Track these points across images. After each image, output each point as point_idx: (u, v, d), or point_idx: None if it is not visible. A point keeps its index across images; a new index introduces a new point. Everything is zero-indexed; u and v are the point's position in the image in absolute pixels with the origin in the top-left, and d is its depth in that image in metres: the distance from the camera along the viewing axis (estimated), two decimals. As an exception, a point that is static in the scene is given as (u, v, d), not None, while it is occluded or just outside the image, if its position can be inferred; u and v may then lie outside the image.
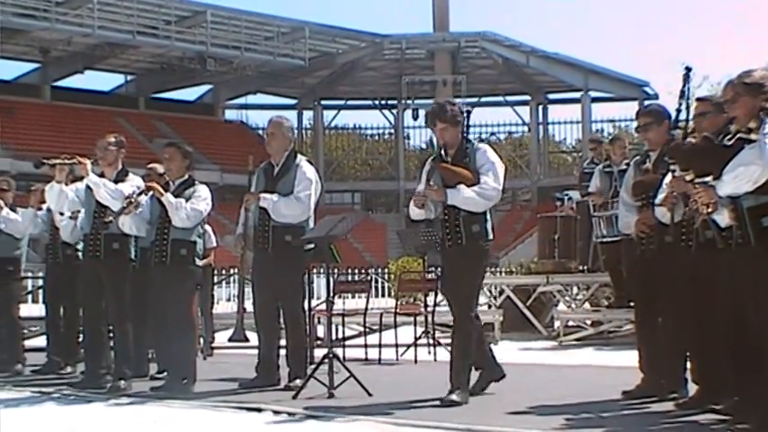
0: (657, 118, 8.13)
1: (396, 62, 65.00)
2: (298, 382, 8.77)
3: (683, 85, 7.63)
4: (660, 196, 7.46)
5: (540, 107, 70.11)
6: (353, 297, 14.93)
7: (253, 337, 9.85)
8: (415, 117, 65.84)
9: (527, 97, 69.53)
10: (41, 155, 10.74)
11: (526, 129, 71.66)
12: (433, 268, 12.28)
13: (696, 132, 7.27)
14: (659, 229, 7.74)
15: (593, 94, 65.75)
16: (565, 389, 8.84)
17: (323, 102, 70.19)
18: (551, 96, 69.85)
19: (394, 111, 70.42)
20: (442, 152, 8.29)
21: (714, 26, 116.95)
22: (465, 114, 8.28)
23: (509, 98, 71.01)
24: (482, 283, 8.74)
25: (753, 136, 6.21)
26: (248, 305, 9.97)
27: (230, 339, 10.65)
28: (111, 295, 9.36)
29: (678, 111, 7.64)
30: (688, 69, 7.64)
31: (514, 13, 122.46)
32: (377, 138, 75.76)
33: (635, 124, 8.52)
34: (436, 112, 8.20)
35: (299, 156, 9.43)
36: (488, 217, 8.18)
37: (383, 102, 70.50)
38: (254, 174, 9.43)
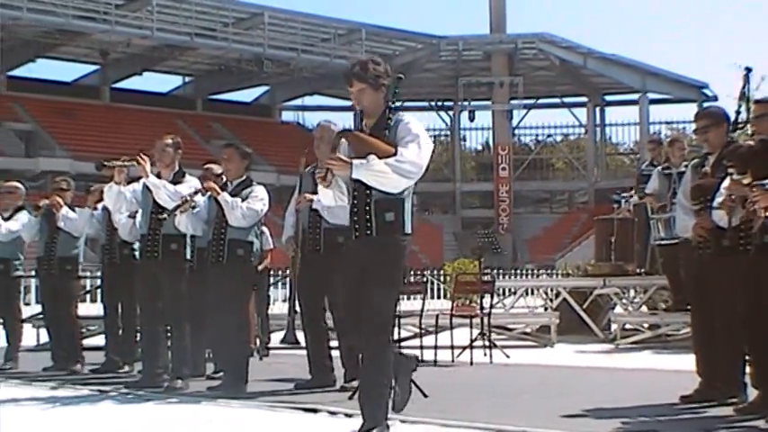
0: (716, 120, 8.04)
1: (452, 64, 65.00)
2: (354, 383, 8.78)
3: (743, 87, 7.58)
4: (718, 200, 7.40)
5: (598, 109, 69.77)
6: (409, 299, 14.93)
7: (303, 339, 9.88)
8: (472, 119, 65.78)
9: (584, 99, 69.24)
10: (100, 156, 10.86)
11: (583, 130, 71.34)
12: (489, 270, 12.23)
13: (756, 135, 7.21)
14: (717, 232, 7.67)
15: (650, 95, 65.38)
16: (621, 392, 8.79)
17: (379, 104, 70.25)
18: (608, 98, 69.51)
19: (450, 112, 70.46)
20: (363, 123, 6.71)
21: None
22: (393, 78, 6.78)
23: (566, 100, 70.79)
24: (399, 290, 6.76)
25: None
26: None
27: (282, 341, 10.69)
28: (169, 295, 9.42)
29: (737, 113, 7.59)
30: (748, 70, 7.58)
31: (572, 15, 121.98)
32: (433, 139, 75.52)
33: (693, 126, 8.46)
34: (353, 71, 6.62)
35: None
36: (408, 206, 6.61)
37: (439, 103, 70.51)
38: (302, 176, 9.44)
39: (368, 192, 6.43)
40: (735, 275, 7.45)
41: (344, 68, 6.74)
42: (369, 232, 6.48)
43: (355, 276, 6.46)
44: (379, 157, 6.24)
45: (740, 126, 7.63)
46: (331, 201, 6.73)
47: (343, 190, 6.57)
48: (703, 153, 8.28)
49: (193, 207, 9.08)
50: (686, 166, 9.33)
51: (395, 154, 6.30)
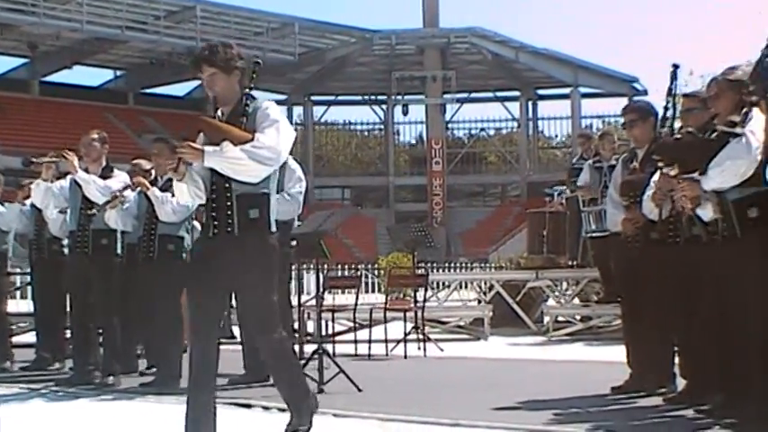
0: (643, 115, 8.15)
1: (385, 58, 65.00)
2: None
3: (671, 83, 7.65)
4: (648, 192, 7.48)
5: (530, 103, 70.17)
6: (343, 293, 14.95)
7: (238, 334, 9.84)
8: (405, 113, 66.02)
9: (517, 93, 69.59)
10: (30, 151, 10.74)
11: (516, 124, 71.70)
12: (423, 263, 12.27)
13: (683, 129, 7.30)
14: (646, 225, 7.77)
15: (582, 89, 65.87)
16: (553, 384, 8.86)
17: (313, 97, 70.17)
18: (541, 92, 69.93)
19: (384, 106, 70.48)
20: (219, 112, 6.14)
21: (704, 21, 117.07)
22: (248, 63, 6.24)
23: (499, 94, 71.11)
24: (274, 288, 6.13)
25: (737, 130, 6.23)
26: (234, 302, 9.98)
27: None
28: (99, 291, 9.34)
29: (666, 108, 7.65)
30: (675, 67, 7.65)
31: (504, 9, 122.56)
32: (366, 133, 75.83)
33: (621, 121, 8.54)
34: (201, 55, 6.08)
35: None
36: (273, 202, 6.12)
37: (373, 97, 70.59)
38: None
39: (227, 185, 5.91)
40: (664, 267, 7.54)
41: (197, 54, 6.14)
42: (230, 230, 5.94)
43: (211, 279, 5.95)
44: (235, 144, 5.76)
45: (668, 121, 7.70)
46: (187, 197, 6.15)
47: (199, 185, 6.00)
48: (632, 147, 8.38)
49: (123, 202, 9.01)
50: (617, 159, 9.42)
51: (252, 140, 5.82)
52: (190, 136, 5.96)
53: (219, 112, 6.07)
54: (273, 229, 6.05)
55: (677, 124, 7.44)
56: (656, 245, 7.70)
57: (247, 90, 6.07)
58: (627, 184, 8.13)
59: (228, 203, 5.92)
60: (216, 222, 5.95)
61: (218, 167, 5.80)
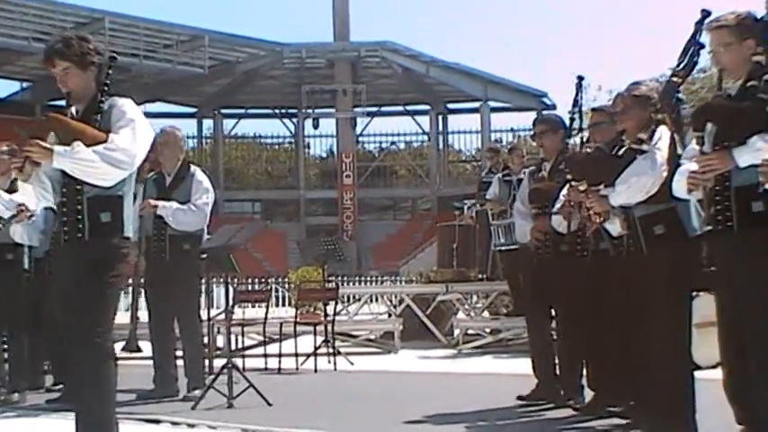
0: (552, 126, 8.29)
1: (296, 71, 64.87)
2: (197, 392, 8.71)
3: (576, 95, 7.77)
4: (557, 205, 7.57)
5: (440, 117, 70.51)
6: (253, 306, 14.89)
7: (147, 348, 9.75)
8: (316, 126, 65.86)
9: (427, 107, 69.88)
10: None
11: (426, 138, 72.00)
12: (333, 277, 12.28)
13: (591, 142, 7.40)
14: (555, 237, 7.87)
15: (492, 104, 66.33)
16: (463, 397, 8.91)
17: (223, 110, 69.79)
18: (451, 106, 70.29)
19: (294, 120, 70.35)
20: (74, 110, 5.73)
21: (611, 36, 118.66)
22: (105, 58, 5.79)
23: (409, 108, 71.34)
24: (113, 302, 5.67)
25: (644, 147, 6.34)
26: (141, 315, 9.90)
27: (123, 350, 10.52)
28: (5, 306, 9.18)
29: (572, 120, 7.79)
30: (580, 79, 7.78)
31: (415, 23, 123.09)
32: (277, 147, 75.60)
33: (531, 132, 8.67)
34: (54, 48, 5.67)
35: (192, 165, 9.42)
36: (129, 205, 5.67)
37: (283, 111, 70.44)
38: (146, 182, 9.34)
39: (79, 188, 5.50)
40: (571, 280, 7.63)
41: (50, 46, 5.71)
42: (80, 235, 5.53)
43: (66, 287, 5.57)
44: (87, 145, 5.34)
45: (574, 133, 7.83)
46: (33, 199, 5.84)
47: (47, 186, 5.61)
48: (540, 159, 8.49)
49: (30, 216, 8.87)
50: (525, 173, 9.53)
51: (106, 141, 5.41)
52: (40, 134, 5.60)
53: (73, 110, 5.68)
54: (128, 234, 5.64)
55: (586, 134, 7.56)
56: (564, 257, 7.82)
57: (104, 87, 5.64)
58: (534, 192, 8.24)
59: (79, 207, 5.53)
60: (66, 228, 5.57)
61: (68, 169, 5.39)
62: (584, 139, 7.55)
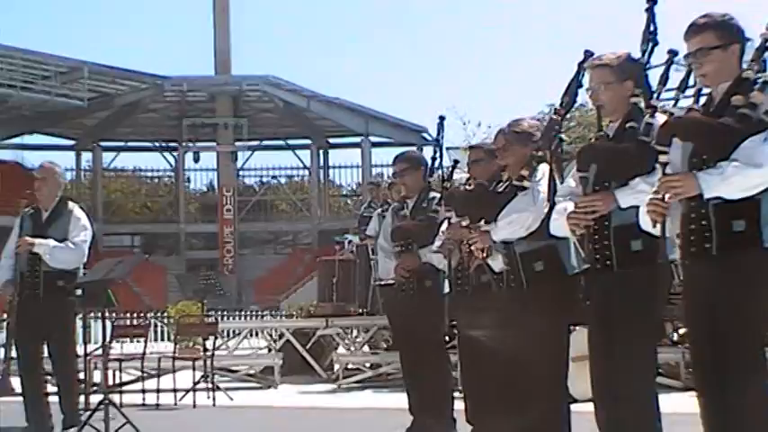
0: (413, 164, 8.35)
1: (177, 104, 64.38)
2: (72, 430, 8.57)
3: (438, 134, 7.89)
4: (437, 242, 7.62)
5: (321, 151, 70.58)
6: (132, 341, 14.70)
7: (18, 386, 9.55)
8: (196, 160, 65.46)
9: (308, 141, 69.90)
10: None
11: (307, 172, 71.98)
12: (213, 312, 12.21)
13: (471, 179, 7.48)
14: (420, 273, 7.95)
15: (373, 138, 66.61)
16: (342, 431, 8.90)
17: (102, 143, 68.84)
18: (332, 140, 70.42)
19: (175, 153, 69.73)
20: None
21: (492, 74, 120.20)
22: None
23: (290, 142, 71.28)
24: None
25: (526, 183, 6.43)
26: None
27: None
28: None
29: (433, 158, 7.90)
30: (441, 118, 7.90)
31: (297, 58, 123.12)
32: (157, 180, 74.88)
33: (392, 170, 8.74)
34: None
35: (69, 202, 9.29)
36: None
37: (164, 144, 69.81)
38: (23, 218, 9.18)
39: None
40: (438, 315, 7.74)
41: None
42: None
43: None
44: None
45: (436, 171, 7.98)
46: None
47: None
48: (402, 196, 8.55)
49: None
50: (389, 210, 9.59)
51: None
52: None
53: None
54: None
55: (462, 174, 7.64)
56: (427, 292, 7.92)
57: None
58: (397, 230, 8.29)
59: None
60: None
61: None
62: (448, 177, 7.65)
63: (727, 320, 4.86)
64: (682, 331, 9.08)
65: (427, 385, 8.15)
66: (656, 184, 5.01)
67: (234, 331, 18.28)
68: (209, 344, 12.47)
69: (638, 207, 5.21)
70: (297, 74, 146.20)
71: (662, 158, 4.96)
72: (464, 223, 6.88)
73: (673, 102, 5.33)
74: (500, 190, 6.70)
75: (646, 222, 5.09)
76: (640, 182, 5.31)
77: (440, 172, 8.03)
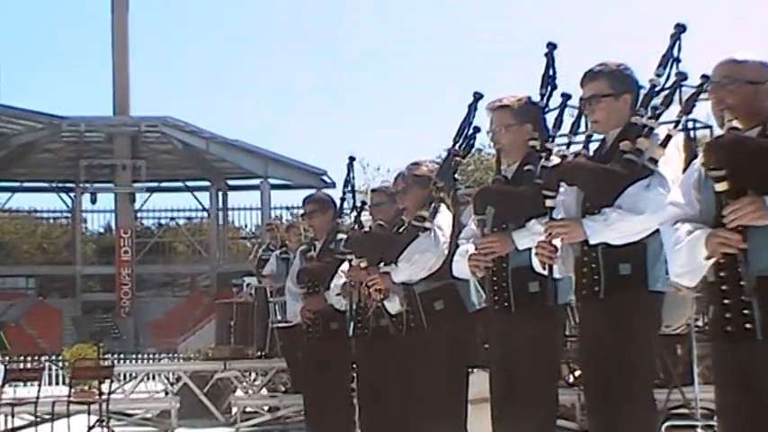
0: (322, 206, 8.37)
1: (74, 145, 63.63)
2: None
3: (347, 175, 7.92)
4: (338, 284, 7.62)
5: (220, 193, 70.25)
6: (25, 385, 14.44)
7: None
8: (94, 201, 64.79)
9: (207, 183, 69.55)
10: None
11: (206, 214, 71.57)
12: (109, 355, 12.06)
13: (373, 221, 7.51)
14: (326, 315, 7.94)
15: (272, 180, 66.51)
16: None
17: (-4, 184, 67.84)
18: (231, 182, 70.16)
19: (72, 194, 68.86)
20: None
21: (389, 117, 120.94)
22: None
23: (189, 183, 70.87)
24: None
25: (426, 224, 6.47)
26: None
27: None
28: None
29: (342, 199, 7.92)
30: (351, 159, 7.93)
31: (196, 100, 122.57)
32: (53, 221, 73.85)
33: (301, 211, 8.75)
34: None
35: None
36: None
37: (60, 185, 68.90)
38: None
39: None
40: (344, 357, 7.74)
41: None
42: None
43: None
44: None
45: (345, 212, 8.01)
46: None
47: None
48: (310, 238, 8.56)
49: None
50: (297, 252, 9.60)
51: None
52: None
53: None
54: None
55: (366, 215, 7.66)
56: (335, 335, 7.91)
57: None
58: (304, 271, 8.29)
59: None
60: None
61: None
62: (355, 219, 7.68)
63: (615, 362, 4.92)
64: (578, 373, 9.17)
65: (330, 428, 8.12)
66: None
67: (130, 374, 18.07)
68: (104, 387, 12.28)
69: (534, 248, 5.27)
70: (196, 115, 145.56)
71: (549, 203, 5.05)
72: (363, 265, 6.90)
73: (566, 145, 5.42)
74: (400, 231, 6.74)
75: (537, 265, 5.16)
76: (536, 224, 5.38)
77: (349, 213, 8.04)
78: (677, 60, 5.13)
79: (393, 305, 6.74)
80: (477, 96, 5.97)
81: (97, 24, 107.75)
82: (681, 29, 5.14)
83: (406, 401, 6.66)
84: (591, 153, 5.21)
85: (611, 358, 4.92)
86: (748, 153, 4.03)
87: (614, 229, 4.84)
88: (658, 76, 5.11)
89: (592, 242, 4.92)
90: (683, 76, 5.09)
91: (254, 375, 15.61)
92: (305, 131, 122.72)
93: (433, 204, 6.52)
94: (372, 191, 7.89)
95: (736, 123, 4.13)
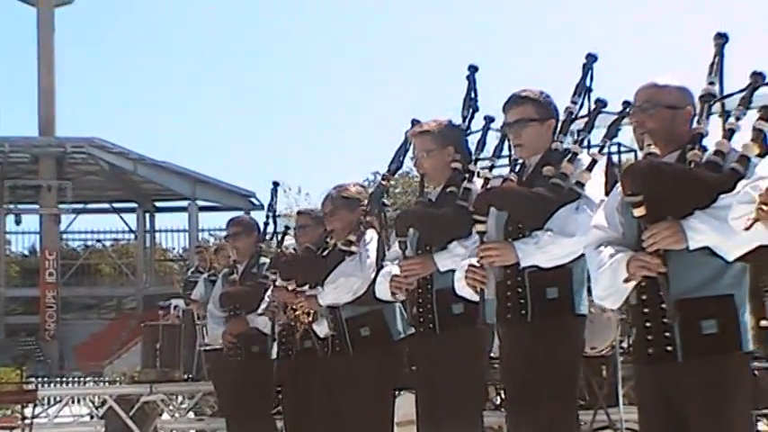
0: (246, 229, 8.39)
1: (-2, 165, 62.87)
2: None
3: (271, 199, 7.94)
4: (262, 306, 7.61)
5: (148, 214, 69.72)
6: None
7: None
8: (18, 222, 63.96)
9: (134, 204, 69.00)
10: None
11: (133, 236, 70.97)
12: (33, 378, 11.92)
13: (297, 244, 7.53)
14: (247, 339, 7.93)
15: (200, 202, 66.12)
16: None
17: None
18: (159, 204, 69.65)
19: (-5, 215, 67.97)
20: None
21: (316, 139, 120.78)
22: None
23: (116, 205, 70.24)
24: None
25: (353, 248, 6.49)
26: None
27: None
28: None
29: (266, 223, 7.93)
30: (275, 184, 7.95)
31: (123, 120, 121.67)
32: (-25, 243, 72.78)
33: (225, 234, 8.77)
34: None
35: None
36: None
37: (-18, 206, 67.97)
38: None
39: None
40: (266, 380, 7.73)
41: None
42: None
43: None
44: None
45: (269, 235, 8.03)
46: None
47: None
48: (233, 261, 8.56)
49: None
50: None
51: None
52: None
53: None
54: None
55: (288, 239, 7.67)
56: (255, 357, 7.90)
57: None
58: (225, 295, 8.28)
59: None
60: None
61: None
62: (278, 242, 7.70)
63: (542, 384, 4.97)
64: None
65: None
66: (472, 250, 5.12)
67: (55, 398, 17.83)
68: (27, 411, 12.15)
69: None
70: (124, 136, 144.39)
71: (479, 227, 5.08)
72: (290, 287, 6.90)
73: (488, 168, 5.48)
74: (326, 254, 6.75)
75: (460, 287, 5.19)
76: (457, 245, 5.42)
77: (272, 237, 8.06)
78: (589, 90, 5.23)
79: (321, 328, 6.75)
80: (415, 123, 6.01)
81: (22, 43, 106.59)
82: (592, 59, 5.24)
83: (332, 424, 6.66)
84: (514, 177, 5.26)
85: (537, 379, 4.96)
86: (664, 179, 4.10)
87: (545, 251, 4.89)
88: (574, 103, 5.21)
89: (523, 264, 4.97)
90: (602, 104, 5.19)
91: (180, 398, 15.50)
92: (233, 153, 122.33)
93: (360, 228, 6.54)
94: (297, 213, 7.91)
95: (654, 149, 4.21)
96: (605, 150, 5.29)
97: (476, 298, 5.10)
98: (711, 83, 4.44)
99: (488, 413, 10.65)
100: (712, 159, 4.22)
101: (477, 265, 5.04)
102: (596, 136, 5.58)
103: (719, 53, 4.49)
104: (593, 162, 5.04)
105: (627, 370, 8.41)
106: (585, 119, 5.30)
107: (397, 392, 6.78)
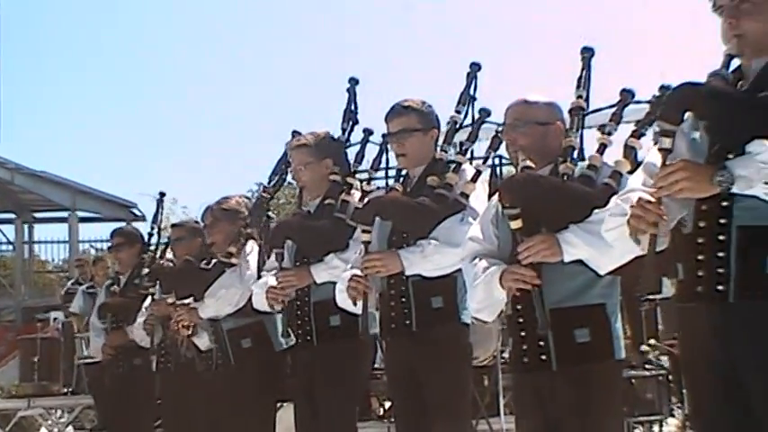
0: (129, 240, 8.31)
1: None
2: None
3: (156, 211, 7.89)
4: (140, 319, 7.55)
5: (27, 226, 68.42)
6: None
7: None
8: None
9: (12, 215, 67.69)
10: None
11: (11, 247, 69.62)
12: None
13: (174, 256, 7.49)
14: (128, 351, 7.86)
15: (80, 213, 65.05)
16: None
17: None
18: (38, 215, 68.34)
19: None
20: None
21: (195, 151, 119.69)
22: None
23: (-6, 217, 68.87)
24: None
25: (233, 260, 6.48)
26: None
27: None
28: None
29: (150, 234, 7.87)
30: (161, 195, 7.90)
31: (1, 129, 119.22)
32: None
33: (107, 245, 8.71)
34: None
35: None
36: None
37: None
38: None
39: None
40: (147, 393, 7.67)
41: None
42: None
43: None
44: None
45: (153, 246, 7.97)
46: None
47: None
48: (116, 272, 8.49)
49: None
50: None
51: None
52: None
53: None
54: None
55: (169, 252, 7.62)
56: (139, 370, 7.83)
57: None
58: (104, 306, 8.19)
59: None
60: None
61: None
62: (162, 253, 7.65)
63: (430, 394, 5.01)
64: (388, 405, 9.28)
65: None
66: (355, 260, 5.15)
67: (-72, 414, 17.45)
68: None
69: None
70: (0, 145, 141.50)
71: (364, 237, 5.10)
72: (170, 300, 6.86)
73: (366, 180, 5.52)
74: (207, 267, 6.72)
75: (342, 299, 5.20)
76: (334, 258, 5.44)
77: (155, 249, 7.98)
78: (473, 99, 5.28)
79: (202, 341, 6.72)
80: (295, 134, 6.00)
81: None
82: (476, 67, 5.30)
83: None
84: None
85: (426, 389, 4.99)
86: (541, 191, 4.18)
87: (431, 260, 4.92)
88: (458, 112, 5.25)
89: (408, 273, 4.99)
90: (486, 113, 5.24)
91: (59, 413, 15.25)
92: (115, 163, 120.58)
93: (241, 239, 6.54)
94: (173, 226, 7.88)
95: (529, 163, 4.29)
96: (489, 162, 5.33)
97: (357, 310, 5.11)
98: (580, 96, 4.54)
99: (372, 423, 10.72)
100: (586, 173, 4.32)
101: (361, 275, 5.05)
102: (480, 148, 5.63)
103: (586, 66, 4.59)
104: (478, 173, 5.08)
105: (508, 380, 8.52)
106: (470, 129, 5.34)
107: (279, 404, 6.78)
